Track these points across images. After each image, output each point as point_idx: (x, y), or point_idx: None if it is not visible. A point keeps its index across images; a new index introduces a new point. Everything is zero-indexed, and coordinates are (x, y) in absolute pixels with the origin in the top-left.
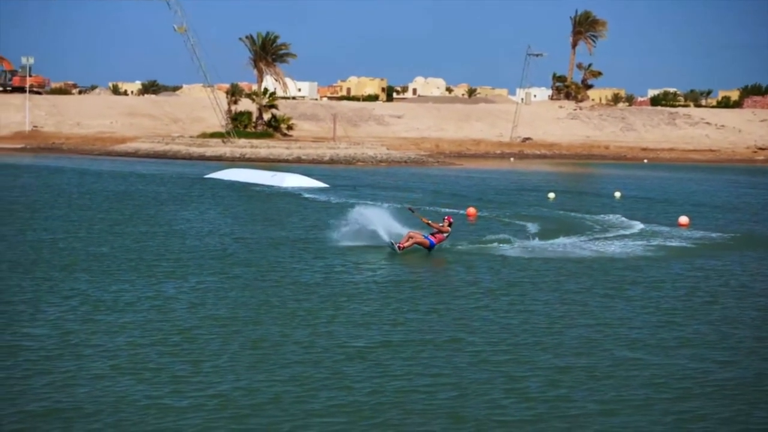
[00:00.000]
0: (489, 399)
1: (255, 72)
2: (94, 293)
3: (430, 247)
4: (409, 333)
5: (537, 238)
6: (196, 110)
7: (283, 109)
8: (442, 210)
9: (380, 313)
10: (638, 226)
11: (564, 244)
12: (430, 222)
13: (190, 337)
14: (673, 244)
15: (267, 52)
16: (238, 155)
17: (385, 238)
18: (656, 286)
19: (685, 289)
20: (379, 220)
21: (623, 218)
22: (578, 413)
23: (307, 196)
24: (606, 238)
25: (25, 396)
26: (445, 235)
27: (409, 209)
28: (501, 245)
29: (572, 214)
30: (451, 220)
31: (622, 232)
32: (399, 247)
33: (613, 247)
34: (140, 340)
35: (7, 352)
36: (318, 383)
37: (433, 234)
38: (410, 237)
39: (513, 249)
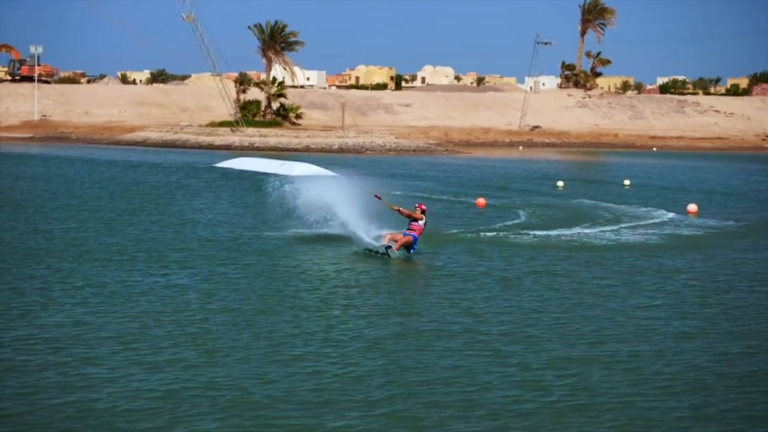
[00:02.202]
0: (504, 390)
1: (263, 61)
2: (106, 283)
3: (413, 243)
4: (422, 323)
5: (547, 227)
6: (205, 99)
7: (291, 98)
8: (451, 199)
9: (393, 303)
10: (648, 213)
11: (575, 233)
12: (400, 209)
13: (204, 327)
14: (686, 232)
15: (275, 40)
16: (246, 144)
17: (365, 239)
18: (670, 275)
19: (699, 278)
20: (342, 206)
21: (633, 206)
22: (595, 404)
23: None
24: (616, 227)
25: (40, 387)
26: (422, 223)
27: (376, 196)
28: (512, 235)
29: (582, 202)
30: (424, 207)
31: (632, 220)
32: (395, 249)
33: (625, 236)
34: (154, 331)
35: (21, 343)
36: (332, 375)
37: (409, 226)
38: (392, 239)
39: (524, 238)
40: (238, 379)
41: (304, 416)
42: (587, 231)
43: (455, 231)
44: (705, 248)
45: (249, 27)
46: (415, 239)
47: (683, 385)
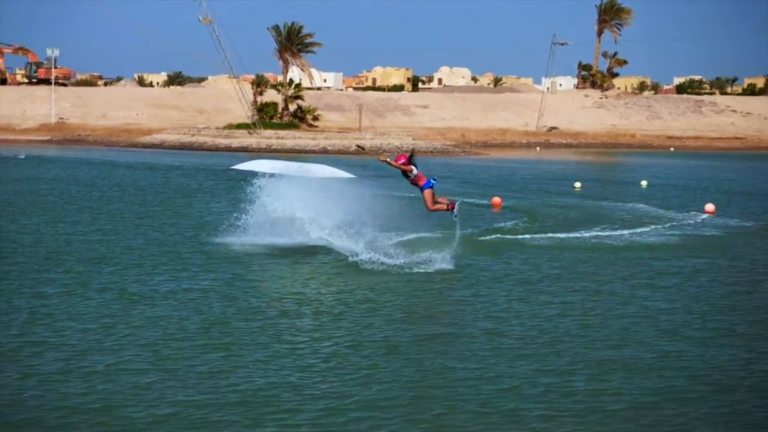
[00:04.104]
0: (528, 393)
1: (280, 63)
2: (128, 286)
3: (431, 186)
4: (442, 326)
5: (565, 229)
6: (222, 101)
7: (308, 100)
8: (467, 200)
9: (414, 306)
10: (666, 214)
11: (593, 234)
12: (389, 161)
13: (227, 330)
14: (704, 232)
15: (292, 42)
16: (264, 146)
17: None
18: (690, 276)
19: (720, 279)
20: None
21: (651, 207)
22: (619, 407)
23: (333, 186)
24: (635, 228)
25: (64, 391)
26: (417, 172)
27: (358, 146)
28: (530, 236)
29: (599, 203)
30: (404, 159)
31: (650, 221)
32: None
33: (643, 237)
34: (177, 334)
35: (44, 347)
36: (353, 378)
37: (415, 184)
38: (437, 201)
39: (542, 240)
40: (260, 383)
41: (324, 419)
42: (606, 232)
43: (472, 232)
44: (725, 249)
45: (267, 28)
46: (431, 184)
47: (708, 388)
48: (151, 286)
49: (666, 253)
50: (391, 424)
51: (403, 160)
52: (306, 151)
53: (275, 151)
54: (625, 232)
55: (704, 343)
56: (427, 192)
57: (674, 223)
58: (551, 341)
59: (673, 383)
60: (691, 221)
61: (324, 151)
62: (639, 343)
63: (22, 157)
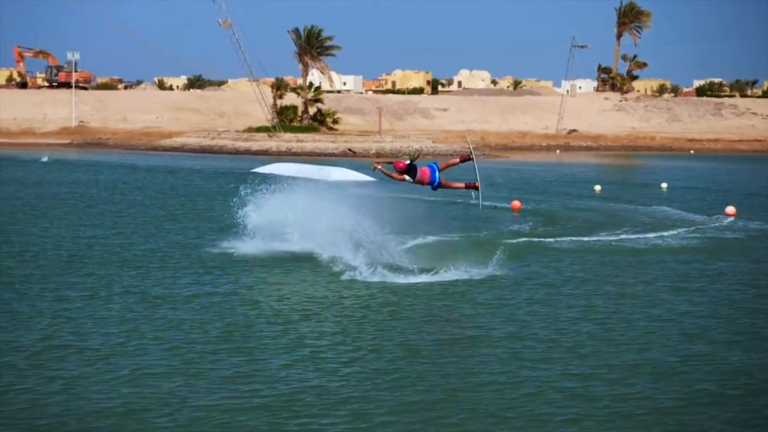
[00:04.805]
0: (551, 397)
1: (300, 66)
2: (150, 290)
3: (436, 173)
4: (464, 330)
5: (586, 232)
6: (242, 105)
7: (328, 103)
8: (486, 203)
9: (435, 310)
10: (687, 216)
11: (614, 237)
12: (384, 169)
13: (250, 334)
14: (726, 235)
15: (312, 45)
16: (284, 149)
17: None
18: (713, 279)
19: (743, 282)
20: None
21: (672, 209)
22: (643, 411)
23: (353, 189)
24: (656, 230)
25: (87, 395)
26: (419, 174)
27: (349, 150)
28: (550, 239)
29: (620, 205)
30: (403, 165)
31: (671, 223)
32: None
33: (665, 239)
34: (200, 338)
35: (67, 351)
36: (374, 380)
37: (418, 180)
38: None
39: (563, 243)
40: (283, 388)
41: (347, 424)
42: (627, 235)
43: (493, 235)
44: (746, 251)
45: (287, 31)
46: (436, 179)
47: (733, 391)
48: (174, 290)
49: (688, 256)
50: (415, 429)
51: (401, 167)
52: (326, 154)
53: (295, 154)
54: (647, 235)
55: (729, 347)
56: (440, 182)
57: (695, 226)
58: (574, 345)
59: (698, 387)
60: (713, 224)
61: (344, 154)
62: (663, 346)
63: (44, 160)
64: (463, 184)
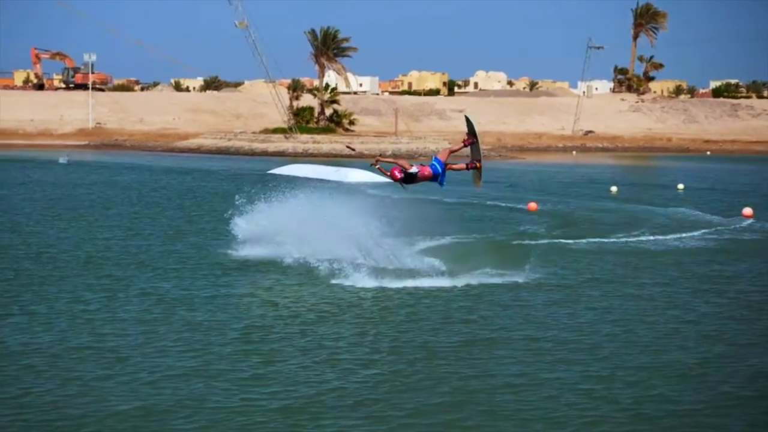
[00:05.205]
0: (569, 399)
1: (316, 67)
2: (168, 291)
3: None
4: (482, 331)
5: (602, 233)
6: (258, 106)
7: (344, 104)
8: (503, 204)
9: (454, 311)
10: (704, 218)
11: (630, 239)
12: (386, 172)
13: (267, 336)
14: (743, 236)
15: (328, 46)
16: (300, 151)
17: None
18: (732, 280)
19: (761, 284)
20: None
21: (688, 210)
22: (661, 413)
23: (370, 191)
24: (672, 232)
25: (105, 397)
26: (418, 174)
27: (348, 147)
28: (567, 240)
29: (637, 207)
30: (398, 175)
31: (688, 224)
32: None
33: (682, 241)
34: (218, 340)
35: (85, 352)
36: (396, 384)
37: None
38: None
39: (580, 244)
40: (301, 389)
41: (366, 425)
42: (644, 236)
43: (509, 237)
44: (764, 252)
45: (304, 32)
46: (440, 174)
47: (751, 393)
48: (192, 291)
49: (706, 258)
50: (434, 431)
51: (397, 178)
52: (342, 156)
53: (312, 155)
54: (664, 236)
55: (748, 348)
56: (444, 170)
57: (713, 228)
58: (592, 346)
59: (717, 389)
60: (730, 225)
61: (360, 155)
62: (682, 348)
63: (62, 161)
64: (464, 165)
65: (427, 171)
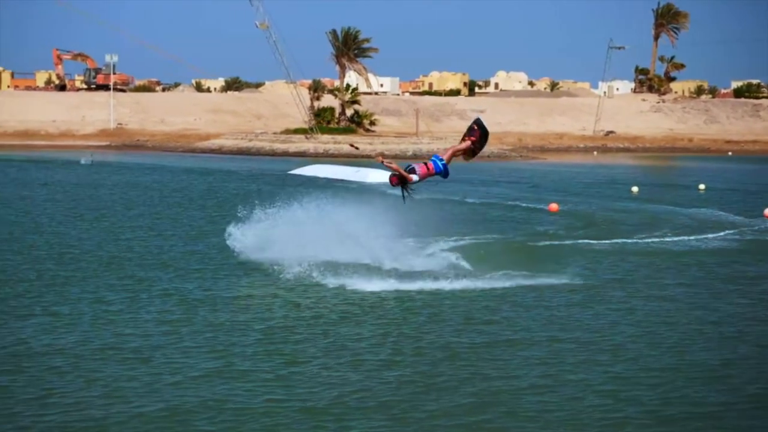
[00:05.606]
0: (592, 400)
1: (337, 68)
2: (190, 292)
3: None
4: (504, 332)
5: (624, 233)
6: (279, 106)
7: (365, 105)
8: (524, 205)
9: (475, 312)
10: (726, 218)
11: (652, 239)
12: (388, 162)
13: (289, 336)
14: (766, 237)
15: (349, 47)
16: (321, 151)
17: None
18: (755, 281)
19: None
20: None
21: (710, 211)
22: (684, 415)
23: (391, 191)
24: (694, 232)
25: (128, 398)
26: (419, 174)
27: (352, 146)
28: (588, 241)
29: (658, 207)
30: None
31: (709, 225)
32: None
33: (703, 241)
34: (240, 340)
35: (108, 352)
36: (419, 384)
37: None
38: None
39: (601, 245)
40: (323, 390)
41: (388, 427)
42: (665, 237)
43: (530, 237)
44: None
45: (325, 33)
46: (441, 168)
47: None
48: (213, 292)
49: (728, 258)
50: (453, 430)
51: (393, 182)
52: (363, 156)
53: (332, 155)
54: (686, 237)
55: None
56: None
57: (735, 228)
58: (615, 347)
59: (742, 390)
60: (752, 226)
61: (381, 155)
62: (704, 349)
63: (83, 162)
64: (465, 145)
65: (426, 170)
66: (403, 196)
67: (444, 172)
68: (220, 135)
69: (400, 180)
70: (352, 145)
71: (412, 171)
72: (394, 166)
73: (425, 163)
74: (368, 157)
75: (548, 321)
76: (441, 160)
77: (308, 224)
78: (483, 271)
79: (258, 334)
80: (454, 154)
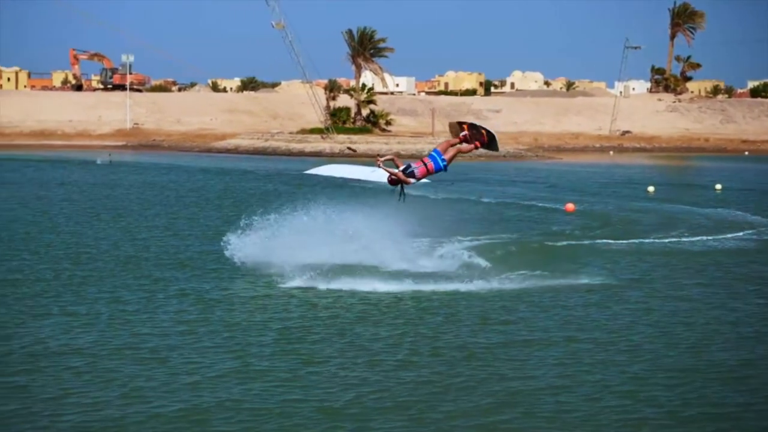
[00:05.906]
0: (607, 400)
1: (353, 67)
2: (207, 292)
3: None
4: (521, 333)
5: (640, 233)
6: (295, 106)
7: (381, 105)
8: (541, 204)
9: (491, 312)
10: (742, 218)
11: (669, 239)
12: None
13: (306, 336)
14: None
15: (365, 47)
16: (337, 151)
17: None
18: None
19: None
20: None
21: (727, 211)
22: (701, 416)
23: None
24: (712, 232)
25: (146, 398)
26: (419, 173)
27: (349, 149)
28: (605, 241)
29: (675, 207)
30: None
31: (726, 225)
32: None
33: (720, 241)
34: (257, 340)
35: (125, 353)
36: (436, 385)
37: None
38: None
39: (618, 245)
40: (339, 391)
41: (405, 427)
42: (682, 237)
43: (546, 237)
44: None
45: (341, 32)
46: (440, 165)
47: None
48: (230, 292)
49: (746, 258)
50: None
51: (390, 183)
52: (361, 156)
53: (348, 155)
54: (703, 237)
55: None
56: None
57: (753, 228)
58: (632, 348)
59: (760, 391)
60: None
61: (397, 155)
62: (722, 349)
63: (99, 162)
64: (468, 147)
65: (425, 168)
66: (400, 195)
67: (444, 169)
68: (236, 135)
69: (397, 180)
70: (349, 148)
71: (412, 174)
72: (391, 170)
73: (425, 163)
74: (364, 155)
75: (565, 321)
76: (441, 157)
77: (323, 226)
78: (499, 271)
79: (275, 334)
80: (456, 154)
